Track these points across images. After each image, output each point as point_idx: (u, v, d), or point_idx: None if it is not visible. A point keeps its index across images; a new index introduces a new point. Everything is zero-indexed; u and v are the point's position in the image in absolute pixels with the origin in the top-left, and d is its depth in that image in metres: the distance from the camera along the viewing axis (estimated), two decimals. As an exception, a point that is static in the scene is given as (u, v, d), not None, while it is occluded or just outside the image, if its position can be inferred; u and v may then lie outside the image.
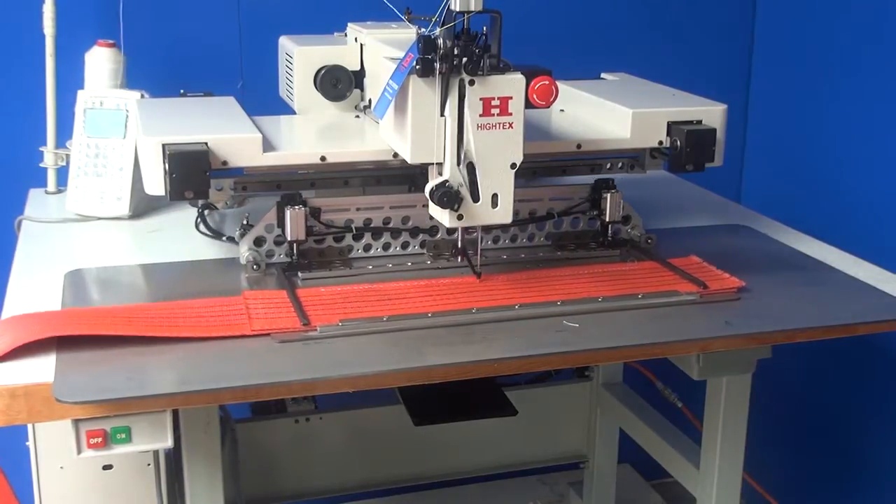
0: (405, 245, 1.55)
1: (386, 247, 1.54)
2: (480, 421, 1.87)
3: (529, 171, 1.61)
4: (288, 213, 1.45)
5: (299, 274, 1.45)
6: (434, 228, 1.54)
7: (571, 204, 1.60)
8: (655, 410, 2.02)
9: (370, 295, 1.38)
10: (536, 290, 1.42)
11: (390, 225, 1.53)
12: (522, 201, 1.57)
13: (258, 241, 1.49)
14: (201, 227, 1.66)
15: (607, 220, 1.59)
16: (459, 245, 1.44)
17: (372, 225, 1.52)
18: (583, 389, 2.18)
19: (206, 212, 1.69)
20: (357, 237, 1.52)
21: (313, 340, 1.27)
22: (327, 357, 1.24)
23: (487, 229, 1.56)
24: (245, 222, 1.53)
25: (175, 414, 1.23)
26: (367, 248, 1.53)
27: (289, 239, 1.47)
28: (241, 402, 1.87)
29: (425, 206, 1.35)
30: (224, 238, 1.61)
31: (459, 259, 1.44)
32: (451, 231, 1.53)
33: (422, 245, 1.55)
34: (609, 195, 1.58)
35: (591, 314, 1.36)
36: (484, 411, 1.73)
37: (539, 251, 1.57)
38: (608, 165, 1.63)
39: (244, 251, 1.48)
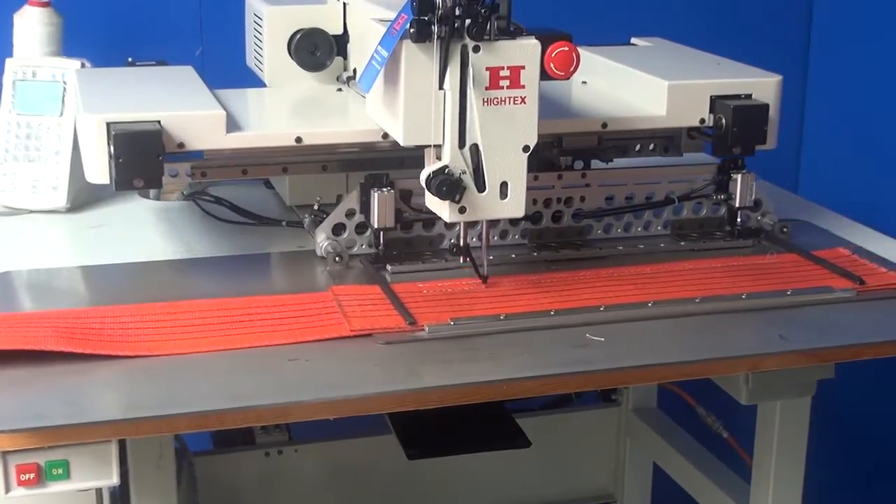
0: (503, 234, 1.56)
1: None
2: (486, 454, 1.87)
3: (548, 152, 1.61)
4: (375, 196, 1.46)
5: (388, 267, 1.47)
6: (537, 214, 1.55)
7: (694, 187, 1.62)
8: (696, 441, 2.03)
9: (478, 292, 1.42)
10: (661, 286, 1.45)
11: None
12: (636, 184, 1.60)
13: (337, 230, 1.50)
14: (216, 212, 1.66)
15: (737, 205, 1.60)
16: (461, 242, 1.44)
17: None
18: (609, 416, 2.18)
19: (205, 198, 1.69)
20: (450, 225, 1.53)
21: (421, 342, 1.30)
22: (305, 377, 1.24)
23: (592, 217, 1.58)
24: (316, 207, 1.55)
25: (122, 445, 1.23)
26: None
27: (375, 226, 1.48)
28: (200, 431, 1.87)
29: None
30: (284, 223, 1.62)
31: (462, 259, 1.45)
32: (556, 217, 1.56)
33: (522, 234, 1.57)
34: (740, 176, 1.59)
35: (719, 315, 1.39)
36: (490, 442, 1.74)
37: (658, 241, 1.60)
38: (637, 147, 1.63)
39: (321, 240, 1.50)
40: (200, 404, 1.17)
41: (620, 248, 1.57)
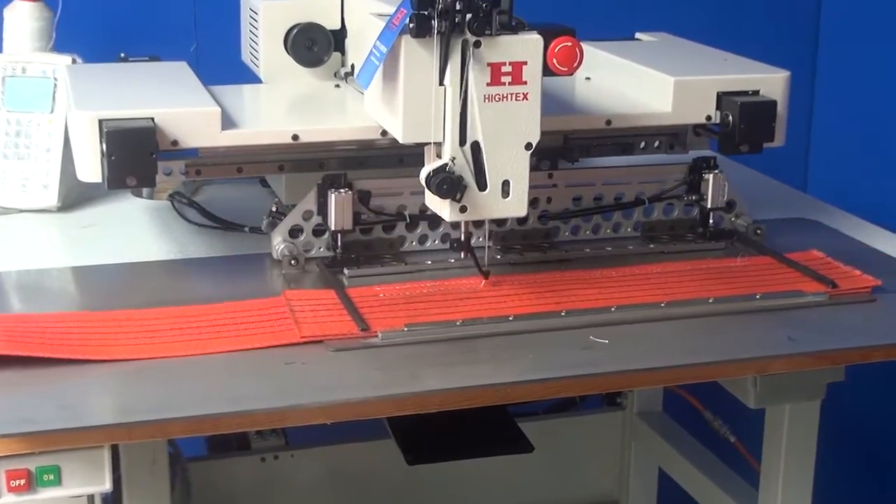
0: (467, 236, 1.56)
1: (445, 238, 1.55)
2: (488, 460, 1.87)
3: (549, 152, 1.61)
4: (332, 197, 1.46)
5: (345, 270, 1.47)
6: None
7: (665, 188, 1.61)
8: (702, 445, 2.03)
9: (436, 295, 1.42)
10: (626, 290, 1.44)
11: None
12: (604, 185, 1.60)
13: (294, 232, 1.50)
14: (190, 215, 1.66)
15: (709, 206, 1.60)
16: (462, 238, 1.44)
17: (429, 212, 1.53)
18: (614, 420, 2.19)
19: (190, 198, 1.69)
20: (411, 227, 1.53)
21: (374, 348, 1.29)
22: (302, 380, 1.24)
23: (559, 219, 1.58)
24: (274, 209, 1.54)
25: (115, 450, 1.23)
26: (423, 239, 1.55)
27: (332, 228, 1.48)
28: (195, 436, 1.87)
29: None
30: (246, 228, 1.61)
31: (463, 255, 1.45)
32: (522, 221, 1.56)
33: (489, 236, 1.56)
34: (712, 176, 1.59)
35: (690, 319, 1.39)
36: (492, 447, 1.74)
37: (627, 244, 1.60)
38: (642, 145, 1.64)
39: (277, 243, 1.49)
40: (195, 408, 1.17)
41: (588, 250, 1.57)
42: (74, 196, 1.76)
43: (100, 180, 1.35)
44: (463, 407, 1.25)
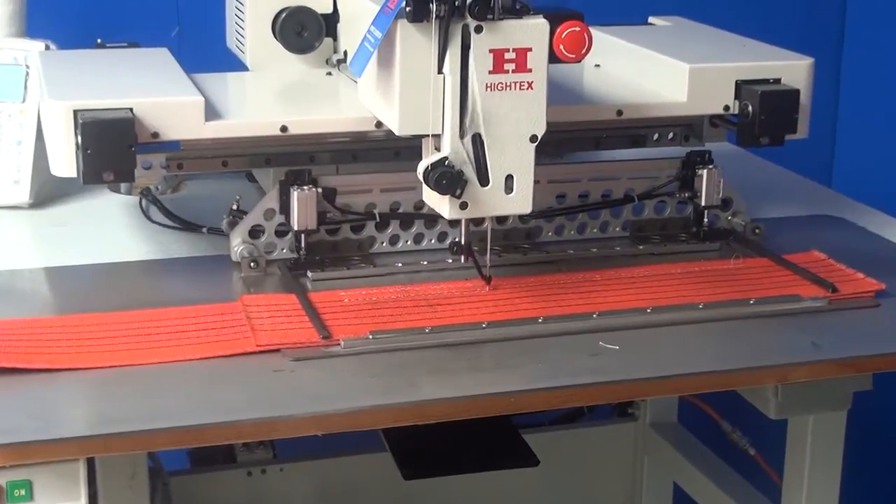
0: (442, 236, 1.57)
1: (418, 238, 1.56)
2: (491, 474, 1.88)
3: (554, 144, 1.61)
4: (295, 195, 1.46)
5: (308, 273, 1.47)
6: None
7: (656, 184, 1.62)
8: (720, 459, 2.03)
9: (405, 300, 1.41)
10: (610, 294, 1.44)
11: (424, 211, 1.54)
12: (591, 180, 1.59)
13: (255, 232, 1.50)
14: (154, 214, 1.67)
15: (703, 204, 1.60)
16: (463, 240, 1.45)
17: (401, 210, 1.54)
18: (625, 432, 2.19)
19: (155, 196, 1.70)
20: (381, 227, 1.53)
21: (336, 357, 1.29)
22: (292, 388, 1.24)
23: (542, 217, 1.58)
24: (235, 207, 1.54)
25: (91, 463, 1.24)
26: (394, 240, 1.55)
27: (295, 228, 1.48)
28: (177, 448, 1.88)
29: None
30: (204, 230, 1.62)
31: (464, 259, 1.45)
32: (501, 219, 1.56)
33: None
34: (706, 172, 1.59)
35: (677, 326, 1.38)
36: (495, 461, 1.74)
37: (615, 244, 1.60)
38: (655, 136, 1.64)
39: (237, 245, 1.49)
40: (178, 419, 1.18)
41: (572, 251, 1.56)
42: (47, 192, 1.77)
43: (74, 175, 1.35)
44: (466, 417, 1.25)
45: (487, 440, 1.72)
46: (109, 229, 1.66)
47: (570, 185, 1.60)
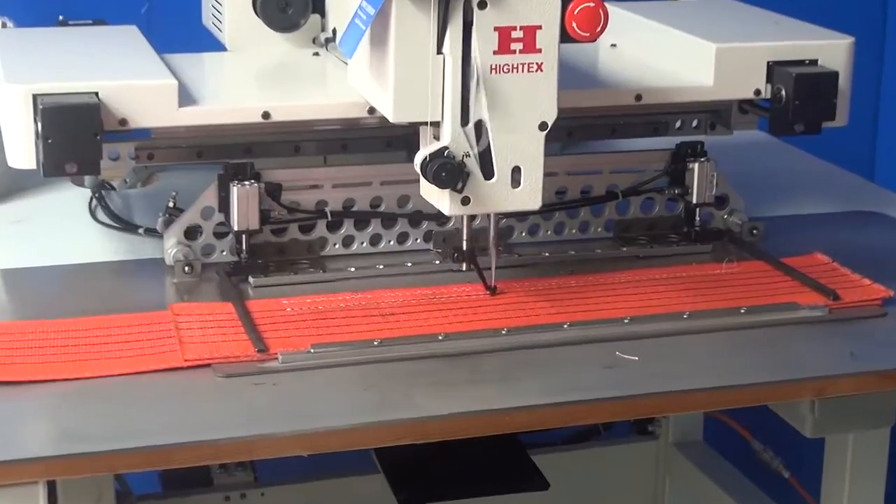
0: (402, 237, 1.56)
1: (375, 240, 1.55)
2: (496, 499, 1.87)
3: (564, 133, 1.61)
4: (235, 191, 1.46)
5: (250, 279, 1.46)
6: (442, 214, 1.54)
7: (643, 179, 1.60)
8: (750, 481, 2.03)
9: (355, 309, 1.40)
10: (584, 303, 1.43)
11: (381, 209, 1.53)
12: (569, 175, 1.58)
13: (191, 233, 1.50)
14: (99, 214, 1.66)
15: (694, 201, 1.59)
16: (465, 245, 1.44)
17: (355, 208, 1.53)
18: (646, 451, 2.20)
19: (101, 192, 1.69)
20: (333, 226, 1.52)
21: (272, 374, 1.27)
22: (273, 404, 1.24)
23: (514, 217, 1.57)
24: (172, 205, 1.54)
25: (52, 487, 1.23)
26: (348, 241, 1.54)
27: (235, 229, 1.47)
28: (147, 470, 1.87)
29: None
30: (141, 230, 1.61)
31: (465, 266, 1.45)
32: (469, 216, 1.53)
33: (426, 238, 1.56)
34: (697, 165, 1.58)
35: (661, 338, 1.37)
36: (501, 485, 1.74)
37: (596, 246, 1.59)
38: (678, 124, 1.64)
39: (170, 247, 1.49)
40: (147, 438, 1.17)
41: (547, 254, 1.56)
42: (3, 186, 1.76)
43: (34, 167, 1.35)
44: (468, 436, 1.24)
45: (492, 461, 1.72)
46: (72, 227, 1.66)
47: (546, 180, 1.57)
